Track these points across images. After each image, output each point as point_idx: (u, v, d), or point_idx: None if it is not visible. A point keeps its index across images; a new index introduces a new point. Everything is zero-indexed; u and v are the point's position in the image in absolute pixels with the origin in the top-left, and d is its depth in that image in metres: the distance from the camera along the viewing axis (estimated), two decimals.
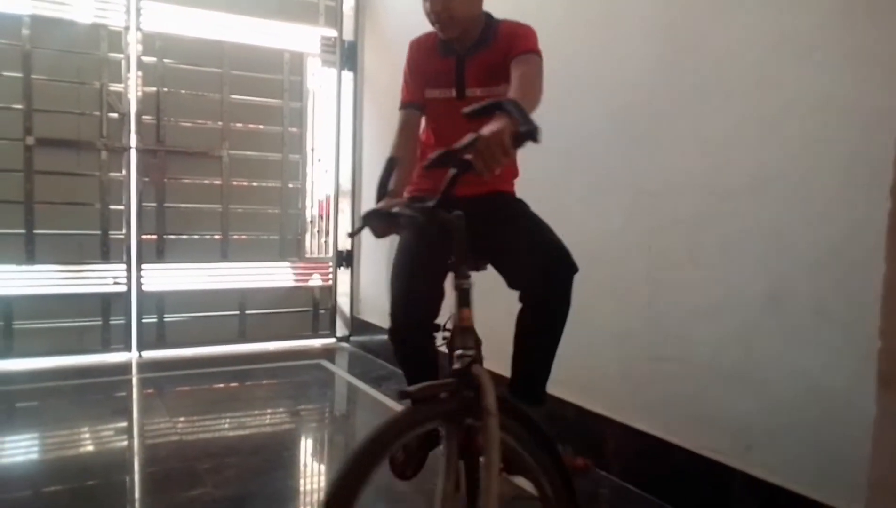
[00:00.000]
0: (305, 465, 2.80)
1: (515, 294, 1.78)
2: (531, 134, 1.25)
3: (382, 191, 1.49)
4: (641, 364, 2.48)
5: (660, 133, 2.39)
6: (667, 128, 2.36)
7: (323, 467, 2.78)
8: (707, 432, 2.21)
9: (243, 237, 4.39)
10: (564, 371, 2.78)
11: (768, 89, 2.01)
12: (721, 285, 2.18)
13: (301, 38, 4.44)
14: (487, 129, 1.26)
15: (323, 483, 2.60)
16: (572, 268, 1.71)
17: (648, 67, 2.43)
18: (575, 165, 2.74)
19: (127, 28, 3.95)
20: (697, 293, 2.27)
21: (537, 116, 1.35)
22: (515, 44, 1.70)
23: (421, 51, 1.83)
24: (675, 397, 2.35)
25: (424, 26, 1.84)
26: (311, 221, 4.65)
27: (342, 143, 4.66)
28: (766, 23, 2.01)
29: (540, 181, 2.97)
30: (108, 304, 4.03)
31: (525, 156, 1.74)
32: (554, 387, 2.89)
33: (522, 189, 2.02)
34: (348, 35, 4.58)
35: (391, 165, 1.53)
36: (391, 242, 1.88)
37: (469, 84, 1.76)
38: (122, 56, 3.96)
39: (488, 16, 1.80)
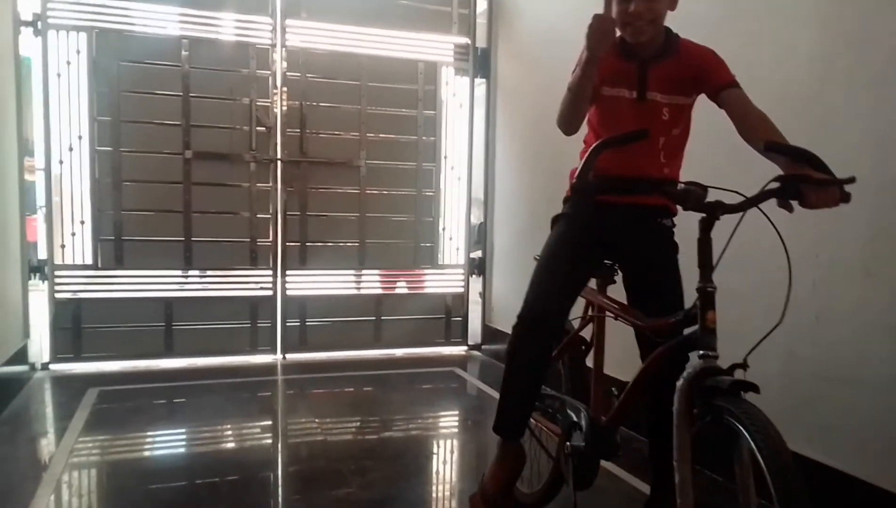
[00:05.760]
0: (444, 473, 2.79)
1: None
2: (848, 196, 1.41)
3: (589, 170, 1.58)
4: (807, 383, 2.27)
5: (828, 127, 2.17)
6: (836, 122, 2.15)
7: (460, 476, 2.76)
8: (883, 462, 1.98)
9: (379, 244, 4.48)
10: None
11: None
12: None
13: (435, 48, 4.50)
14: (820, 176, 1.41)
15: (459, 492, 2.57)
16: None
17: (811, 61, 2.23)
18: (728, 161, 2.56)
19: (273, 45, 4.17)
20: (873, 308, 2.04)
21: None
22: (716, 71, 1.77)
23: None
24: (845, 421, 2.13)
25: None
26: (444, 229, 4.67)
27: (475, 151, 4.66)
28: None
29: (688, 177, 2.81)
30: (255, 308, 4.25)
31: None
32: None
33: None
34: (481, 42, 4.58)
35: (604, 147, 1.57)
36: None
37: (650, 88, 1.79)
38: (269, 73, 4.18)
39: (667, 28, 1.82)
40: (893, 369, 1.98)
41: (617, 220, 1.87)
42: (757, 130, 1.61)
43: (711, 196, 1.48)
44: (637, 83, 1.79)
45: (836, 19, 2.17)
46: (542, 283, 1.92)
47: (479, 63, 4.59)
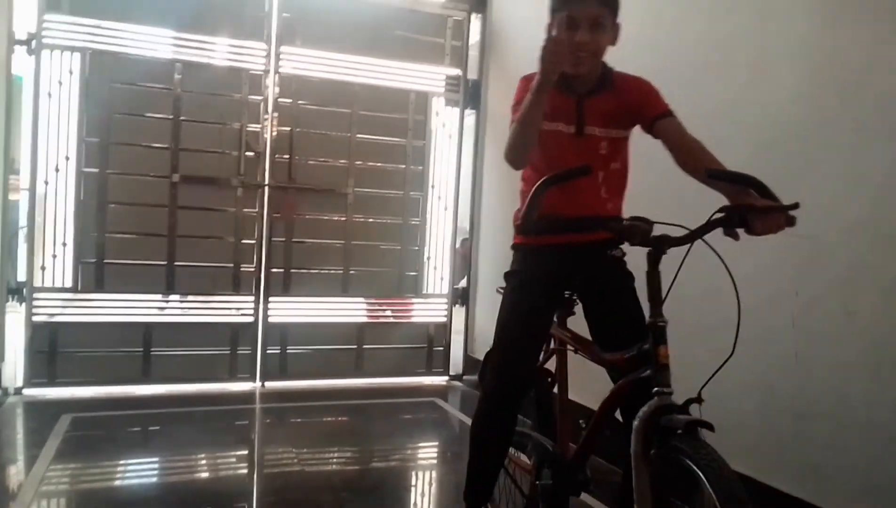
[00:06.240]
0: (422, 506, 2.75)
1: None
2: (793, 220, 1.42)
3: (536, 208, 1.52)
4: (786, 420, 2.28)
5: (811, 172, 2.20)
6: (819, 167, 2.18)
7: None
8: (862, 499, 1.98)
9: (364, 272, 4.46)
10: None
11: None
12: (880, 339, 1.97)
13: (427, 78, 4.52)
14: (764, 203, 1.42)
15: None
16: None
17: (797, 103, 2.27)
18: (712, 201, 2.58)
19: (267, 71, 4.18)
20: (852, 346, 2.07)
21: None
22: (650, 101, 1.76)
23: None
24: (824, 458, 2.14)
25: None
26: (428, 258, 4.66)
27: (462, 181, 4.68)
28: None
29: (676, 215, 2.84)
30: (236, 334, 4.20)
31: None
32: None
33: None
34: (472, 74, 4.62)
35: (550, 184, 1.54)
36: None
37: (588, 123, 1.79)
38: (260, 98, 4.18)
39: (602, 62, 1.81)
40: (872, 408, 1.99)
41: (567, 257, 1.85)
42: (696, 159, 1.62)
43: (657, 230, 1.49)
44: (575, 117, 1.79)
45: (824, 63, 2.21)
46: (504, 355, 1.90)
47: (470, 94, 4.62)
